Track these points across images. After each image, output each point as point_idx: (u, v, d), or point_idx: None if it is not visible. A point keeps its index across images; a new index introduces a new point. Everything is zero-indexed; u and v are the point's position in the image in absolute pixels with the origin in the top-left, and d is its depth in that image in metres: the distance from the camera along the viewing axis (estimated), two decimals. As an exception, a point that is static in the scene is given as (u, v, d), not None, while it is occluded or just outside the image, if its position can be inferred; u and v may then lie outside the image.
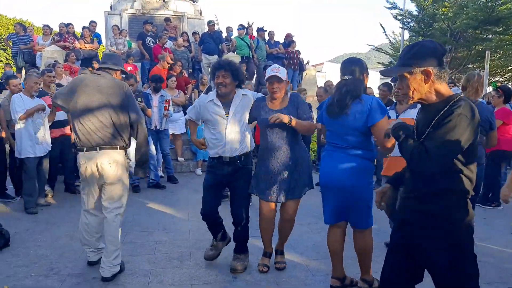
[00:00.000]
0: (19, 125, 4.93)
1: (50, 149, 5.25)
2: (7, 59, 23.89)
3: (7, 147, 5.51)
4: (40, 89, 5.24)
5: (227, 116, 3.30)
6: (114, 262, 3.22)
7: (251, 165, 3.47)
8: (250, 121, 3.43)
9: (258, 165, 3.38)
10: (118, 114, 3.22)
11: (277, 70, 3.21)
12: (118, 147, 3.28)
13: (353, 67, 2.83)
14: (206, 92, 6.50)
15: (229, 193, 3.54)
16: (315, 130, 4.93)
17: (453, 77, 17.40)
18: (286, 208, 3.37)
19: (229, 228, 3.56)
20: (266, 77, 3.30)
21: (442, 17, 16.38)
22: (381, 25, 19.00)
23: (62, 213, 5.04)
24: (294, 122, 3.11)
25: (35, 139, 4.99)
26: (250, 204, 3.62)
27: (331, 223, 3.01)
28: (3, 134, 5.28)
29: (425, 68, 1.83)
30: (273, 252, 3.58)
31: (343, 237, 3.03)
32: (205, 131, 3.47)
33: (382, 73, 2.06)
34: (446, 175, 1.82)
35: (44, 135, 5.13)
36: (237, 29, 11.17)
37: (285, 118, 3.05)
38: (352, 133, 2.77)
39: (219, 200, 3.53)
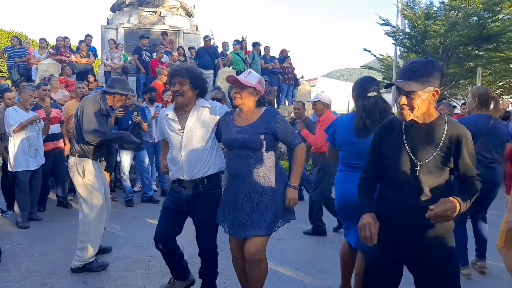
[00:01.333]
0: (12, 139, 4.91)
1: (43, 162, 5.22)
2: (1, 72, 23.84)
3: (0, 160, 5.47)
4: (35, 102, 5.23)
5: (182, 132, 2.84)
6: (79, 254, 3.64)
7: (218, 190, 2.93)
8: (219, 139, 2.90)
9: (223, 193, 2.85)
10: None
11: (245, 74, 2.73)
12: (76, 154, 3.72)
13: (375, 85, 2.77)
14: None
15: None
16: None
17: (445, 92, 17.63)
18: (247, 245, 2.63)
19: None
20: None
21: (434, 34, 16.66)
22: (365, 49, 19.27)
23: (54, 228, 4.99)
24: (296, 177, 2.69)
25: (29, 152, 4.96)
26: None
27: (354, 247, 2.87)
28: (-4, 147, 5.24)
29: (436, 88, 1.88)
30: None
31: (356, 251, 2.94)
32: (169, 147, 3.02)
33: (398, 85, 1.93)
34: (445, 188, 1.92)
35: (38, 148, 5.10)
36: (233, 44, 11.29)
37: (294, 197, 2.68)
38: None
39: (177, 227, 3.00)
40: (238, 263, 2.84)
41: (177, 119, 2.88)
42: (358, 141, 2.69)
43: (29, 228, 4.92)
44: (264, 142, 2.63)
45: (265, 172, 2.64)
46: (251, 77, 2.69)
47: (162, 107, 6.74)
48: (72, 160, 3.70)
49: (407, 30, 18.08)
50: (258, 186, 2.63)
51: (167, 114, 2.93)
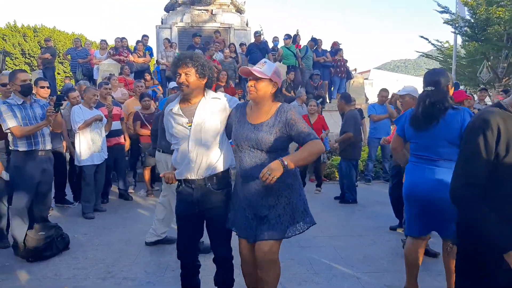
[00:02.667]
0: (78, 135, 5.23)
1: (106, 157, 5.51)
2: (65, 72, 25.50)
3: (67, 155, 5.85)
4: (98, 100, 5.54)
5: (190, 126, 2.56)
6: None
7: (228, 188, 2.68)
8: (229, 134, 2.65)
9: (233, 194, 2.64)
10: None
11: (260, 65, 2.46)
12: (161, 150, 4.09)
13: (436, 78, 2.79)
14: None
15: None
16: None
17: (509, 83, 16.45)
18: (260, 245, 2.42)
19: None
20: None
21: (497, 20, 15.56)
22: (422, 37, 18.45)
23: (116, 219, 5.26)
24: (291, 164, 2.26)
25: (93, 148, 5.27)
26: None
27: (415, 235, 2.91)
28: (64, 143, 5.61)
29: None
30: None
31: (423, 249, 2.97)
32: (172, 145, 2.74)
33: None
34: None
35: (101, 144, 5.40)
36: (283, 39, 11.24)
37: (278, 171, 2.20)
38: (443, 144, 2.72)
39: (197, 233, 2.76)
40: (249, 269, 2.61)
41: (182, 113, 2.59)
42: (420, 134, 2.78)
43: (94, 218, 5.23)
44: (279, 142, 2.41)
45: (282, 175, 2.26)
46: (266, 67, 2.44)
47: None
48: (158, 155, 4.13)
49: (467, 17, 17.02)
50: (274, 188, 2.39)
51: (171, 109, 2.64)
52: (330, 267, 3.69)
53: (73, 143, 5.46)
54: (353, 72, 12.19)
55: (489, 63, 16.90)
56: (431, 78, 2.81)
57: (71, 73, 13.08)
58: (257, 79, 2.41)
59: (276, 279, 2.51)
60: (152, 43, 12.50)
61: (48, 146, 4.05)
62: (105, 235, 4.61)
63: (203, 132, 2.54)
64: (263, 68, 2.43)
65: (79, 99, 5.55)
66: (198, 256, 2.85)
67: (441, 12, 17.53)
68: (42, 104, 4.05)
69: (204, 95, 2.61)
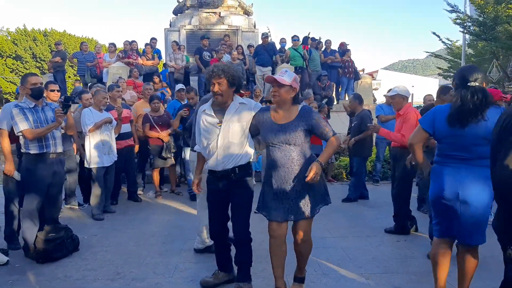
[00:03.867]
0: (88, 137, 5.29)
1: (116, 159, 5.57)
2: (75, 75, 25.76)
3: (77, 157, 5.92)
4: (108, 103, 5.60)
5: (220, 125, 3.04)
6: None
7: (249, 177, 3.13)
8: (253, 134, 3.12)
9: (264, 183, 3.06)
10: None
11: (282, 73, 2.96)
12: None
13: (477, 74, 2.66)
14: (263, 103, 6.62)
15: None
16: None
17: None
18: (297, 229, 2.99)
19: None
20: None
21: (506, 18, 15.40)
22: (434, 33, 18.27)
23: (126, 220, 5.31)
24: (324, 158, 2.88)
25: (103, 150, 5.32)
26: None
27: (445, 237, 2.81)
28: (75, 146, 5.68)
29: None
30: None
31: (449, 250, 2.86)
32: (200, 142, 3.19)
33: None
34: None
35: (111, 146, 5.46)
36: (292, 40, 11.25)
37: (320, 171, 2.79)
38: (482, 142, 2.58)
39: (226, 216, 3.23)
40: (277, 248, 2.99)
41: (213, 114, 3.08)
42: (458, 132, 2.63)
43: (104, 220, 5.29)
44: (304, 137, 2.93)
45: (305, 163, 2.90)
46: (287, 76, 2.92)
47: None
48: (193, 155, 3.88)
49: (475, 16, 16.88)
50: (300, 175, 2.87)
51: (204, 110, 3.14)
52: (338, 268, 3.69)
53: (83, 146, 5.53)
54: (361, 73, 12.15)
55: (499, 62, 16.73)
56: (471, 73, 2.66)
57: (79, 76, 13.23)
58: (280, 85, 2.88)
59: (310, 252, 3.13)
60: (160, 45, 12.62)
61: (59, 149, 4.10)
62: (114, 236, 4.65)
63: (230, 132, 3.02)
64: (284, 76, 2.91)
65: (92, 101, 5.62)
66: (228, 236, 3.29)
67: (450, 11, 17.41)
68: (54, 108, 4.11)
69: (233, 100, 3.08)
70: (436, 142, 2.87)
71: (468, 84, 2.63)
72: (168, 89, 9.97)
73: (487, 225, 2.68)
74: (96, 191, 5.35)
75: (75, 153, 5.77)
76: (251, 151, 3.13)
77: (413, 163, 3.41)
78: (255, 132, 3.10)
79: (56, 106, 4.21)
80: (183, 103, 6.91)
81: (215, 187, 3.13)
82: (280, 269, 3.03)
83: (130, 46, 11.16)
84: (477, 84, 2.62)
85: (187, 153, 6.42)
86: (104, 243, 4.43)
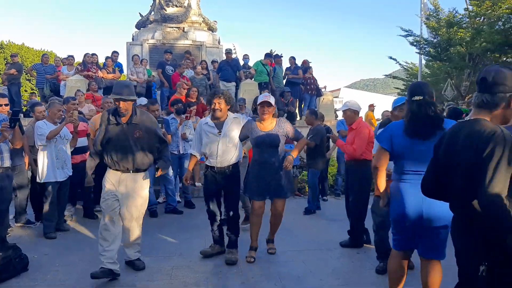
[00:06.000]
0: (41, 151, 5.05)
1: (71, 174, 5.34)
2: (32, 89, 24.81)
3: (28, 173, 5.63)
4: (63, 116, 5.39)
5: (219, 134, 4.11)
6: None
7: (239, 173, 4.29)
8: (241, 139, 4.26)
9: (250, 173, 4.27)
10: None
11: (267, 98, 4.13)
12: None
13: (425, 89, 2.75)
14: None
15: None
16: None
17: (472, 101, 17.17)
18: (275, 205, 4.26)
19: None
20: (258, 102, 4.19)
21: (459, 41, 16.33)
22: (391, 57, 19.10)
23: (80, 238, 5.07)
24: (295, 153, 4.13)
25: (57, 164, 5.09)
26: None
27: (403, 249, 2.82)
28: (26, 160, 5.41)
29: None
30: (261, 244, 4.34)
31: (405, 261, 2.88)
32: (203, 146, 4.24)
33: None
34: None
35: (66, 160, 5.23)
36: (265, 58, 11.34)
37: (291, 161, 4.03)
38: None
39: (219, 201, 4.33)
40: (258, 219, 4.26)
41: (214, 126, 4.15)
42: (417, 147, 2.66)
43: (56, 238, 5.02)
44: (282, 141, 4.20)
45: (281, 159, 4.15)
46: (272, 98, 4.20)
47: (187, 117, 6.86)
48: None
49: (430, 38, 17.80)
50: (279, 169, 4.12)
51: (207, 123, 4.22)
52: (299, 281, 3.67)
53: (35, 160, 5.27)
54: (322, 90, 12.41)
55: (453, 81, 17.62)
56: (415, 89, 2.76)
57: (37, 89, 12.75)
58: (270, 106, 4.13)
59: (279, 224, 4.43)
60: (122, 59, 12.39)
61: (7, 163, 3.90)
62: (67, 255, 4.41)
63: (228, 139, 4.12)
64: (270, 98, 4.16)
65: (45, 114, 5.39)
66: (220, 215, 4.33)
67: (405, 36, 18.25)
68: (1, 120, 3.90)
69: (228, 115, 4.20)
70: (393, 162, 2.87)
71: (413, 99, 2.73)
72: (129, 103, 9.75)
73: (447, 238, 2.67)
74: (48, 207, 5.09)
75: (26, 168, 5.49)
76: (240, 153, 4.34)
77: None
78: (244, 137, 4.25)
79: (4, 117, 4.01)
80: (143, 117, 6.78)
81: (213, 179, 4.19)
82: (256, 234, 4.27)
83: (91, 58, 10.89)
84: (421, 97, 2.69)
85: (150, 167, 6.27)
86: (55, 262, 4.19)
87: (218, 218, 4.34)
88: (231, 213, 4.20)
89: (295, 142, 4.44)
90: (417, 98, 2.71)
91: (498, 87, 1.93)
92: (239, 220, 4.38)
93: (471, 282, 2.04)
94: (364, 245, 4.71)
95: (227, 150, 4.12)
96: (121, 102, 3.64)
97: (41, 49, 32.24)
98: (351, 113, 4.71)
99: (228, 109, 4.22)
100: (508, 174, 1.77)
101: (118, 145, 3.73)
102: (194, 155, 4.36)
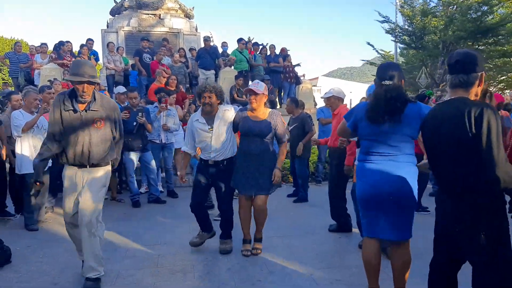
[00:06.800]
0: (19, 142, 4.94)
1: (50, 165, 5.23)
2: (3, 79, 23.89)
3: (7, 165, 5.49)
4: (39, 105, 5.26)
5: (211, 130, 3.96)
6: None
7: (233, 167, 4.05)
8: (235, 130, 4.09)
9: (238, 164, 4.02)
10: None
11: (255, 85, 3.94)
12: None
13: (392, 72, 2.69)
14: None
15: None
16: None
17: (446, 88, 17.65)
18: (256, 201, 4.00)
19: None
20: (244, 90, 4.10)
21: (433, 29, 16.67)
22: (369, 43, 19.32)
23: (62, 229, 4.96)
24: (280, 164, 3.99)
25: (35, 155, 4.98)
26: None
27: (375, 235, 2.80)
28: (4, 151, 5.27)
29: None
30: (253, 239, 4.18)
31: (380, 249, 2.85)
32: (196, 143, 4.11)
33: None
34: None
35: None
36: (238, 42, 11.28)
37: (279, 175, 3.95)
38: (402, 139, 2.66)
39: (206, 195, 4.30)
40: (245, 213, 4.09)
41: (204, 121, 3.98)
42: (378, 129, 2.67)
43: (38, 230, 4.95)
44: (270, 133, 3.95)
45: (269, 153, 3.97)
46: (260, 86, 3.92)
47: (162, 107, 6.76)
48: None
49: (406, 26, 18.09)
50: (264, 161, 3.93)
51: (197, 119, 4.04)
52: (284, 266, 3.76)
53: (13, 151, 5.15)
54: (301, 78, 12.50)
55: (427, 69, 18.01)
56: (387, 71, 2.71)
57: (9, 79, 12.34)
58: (256, 94, 3.87)
59: (265, 218, 4.15)
60: (97, 47, 12.10)
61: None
62: (50, 247, 4.37)
63: (220, 133, 3.96)
64: (258, 86, 3.91)
65: (22, 103, 5.26)
66: (204, 205, 4.25)
67: (382, 21, 18.47)
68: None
69: (218, 108, 4.01)
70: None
71: (382, 82, 2.68)
72: (106, 92, 9.58)
73: (413, 218, 2.75)
74: (28, 199, 4.99)
75: (4, 159, 5.36)
76: (234, 146, 4.11)
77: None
78: (236, 128, 4.04)
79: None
80: (123, 106, 6.69)
81: (204, 172, 4.06)
82: (247, 227, 4.12)
83: (65, 46, 10.59)
84: (390, 82, 2.65)
85: (129, 158, 6.21)
86: (38, 254, 4.15)
87: (203, 207, 4.22)
88: (226, 206, 4.10)
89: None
90: (387, 82, 2.66)
91: (472, 67, 2.15)
92: (232, 215, 4.17)
93: (450, 261, 2.18)
94: (354, 230, 4.80)
95: (221, 145, 3.97)
96: (85, 86, 3.09)
97: (11, 37, 30.95)
98: (335, 99, 4.77)
99: (219, 103, 4.04)
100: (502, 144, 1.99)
101: (74, 136, 3.19)
102: (187, 152, 4.23)
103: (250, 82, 11.11)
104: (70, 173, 3.32)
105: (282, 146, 4.05)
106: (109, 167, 3.44)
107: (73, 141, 3.19)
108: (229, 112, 4.05)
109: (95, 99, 3.22)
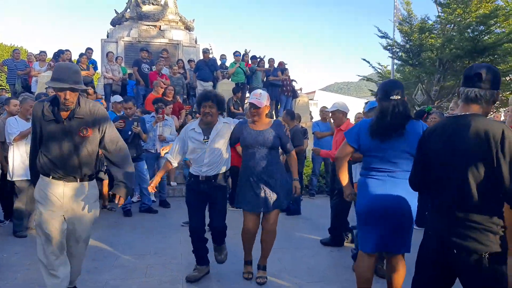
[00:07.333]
0: (12, 148, 4.92)
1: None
2: (0, 86, 23.92)
3: (-1, 170, 5.45)
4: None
5: (206, 142, 3.60)
6: None
7: (226, 183, 3.75)
8: (232, 144, 3.76)
9: (241, 179, 3.65)
10: None
11: (257, 96, 3.57)
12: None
13: (398, 88, 2.72)
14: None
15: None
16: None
17: (442, 105, 17.77)
18: (268, 219, 3.65)
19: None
20: (247, 102, 3.49)
21: (430, 47, 16.86)
22: (364, 59, 19.58)
23: (52, 237, 4.95)
24: (296, 175, 3.71)
25: (28, 162, 4.95)
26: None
27: (371, 251, 2.80)
28: (-4, 157, 5.24)
29: None
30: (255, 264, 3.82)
31: (375, 264, 2.89)
32: (188, 154, 3.72)
33: None
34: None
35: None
36: (234, 55, 11.37)
37: (299, 186, 3.70)
38: (403, 156, 2.67)
39: (203, 215, 3.73)
40: (250, 236, 3.70)
41: (201, 131, 3.62)
42: (382, 145, 2.68)
43: (27, 237, 4.89)
44: (276, 143, 3.59)
45: (276, 164, 3.61)
46: (262, 98, 3.56)
47: (159, 118, 6.75)
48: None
49: (403, 43, 18.29)
50: (273, 174, 3.56)
51: (193, 128, 3.67)
52: (275, 279, 3.72)
53: (6, 157, 5.11)
54: (298, 92, 12.56)
55: (423, 86, 18.16)
56: (394, 87, 2.72)
57: (7, 85, 12.35)
58: (258, 107, 3.53)
59: (273, 243, 3.77)
60: (97, 57, 12.16)
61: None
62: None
63: (216, 146, 3.59)
64: (260, 98, 3.54)
65: (19, 109, 5.25)
66: (204, 231, 3.73)
67: (381, 37, 18.69)
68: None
69: (218, 120, 3.65)
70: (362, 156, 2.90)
71: (390, 97, 2.68)
72: (103, 101, 9.58)
73: (411, 233, 2.78)
74: (18, 205, 4.95)
75: (-4, 165, 5.32)
76: (229, 161, 3.75)
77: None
78: (235, 141, 3.72)
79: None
80: (118, 115, 6.69)
81: (197, 189, 3.63)
82: (250, 248, 3.77)
83: (64, 55, 10.63)
84: (398, 97, 2.69)
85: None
86: (25, 261, 4.09)
87: (202, 235, 3.72)
88: (220, 223, 3.69)
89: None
90: (395, 97, 2.67)
91: (489, 83, 2.01)
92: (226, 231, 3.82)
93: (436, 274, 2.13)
94: (346, 244, 4.80)
95: (215, 158, 3.59)
96: (67, 93, 2.71)
97: (11, 44, 31.09)
98: (339, 114, 4.75)
99: (219, 114, 3.70)
100: None
101: (59, 148, 2.81)
102: (169, 162, 3.73)
103: (247, 94, 11.19)
104: (55, 189, 2.84)
105: (292, 155, 3.72)
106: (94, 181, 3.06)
107: (58, 153, 2.81)
108: (228, 126, 3.70)
109: (79, 104, 2.83)
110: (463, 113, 2.07)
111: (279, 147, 3.67)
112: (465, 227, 1.97)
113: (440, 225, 2.09)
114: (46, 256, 2.86)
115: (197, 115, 8.82)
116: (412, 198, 2.72)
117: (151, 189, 3.77)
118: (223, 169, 3.68)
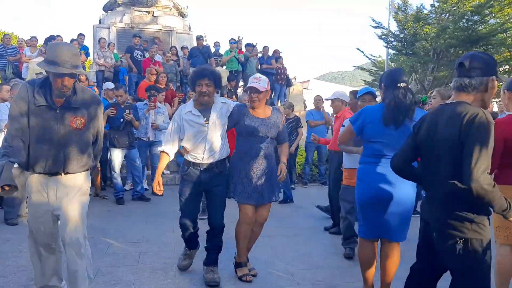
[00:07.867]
0: (3, 135, 4.86)
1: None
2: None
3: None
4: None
5: (207, 124, 3.24)
6: None
7: (227, 171, 3.40)
8: (229, 128, 3.41)
9: (237, 169, 3.32)
10: None
11: (257, 80, 3.28)
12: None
13: (404, 76, 2.79)
14: None
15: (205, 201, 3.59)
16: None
17: (452, 85, 17.81)
18: (262, 212, 3.43)
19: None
20: (245, 87, 3.48)
21: (424, 36, 16.83)
22: (358, 49, 19.51)
23: (43, 224, 4.93)
24: (285, 160, 3.44)
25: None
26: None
27: (372, 238, 2.86)
28: (-14, 143, 5.17)
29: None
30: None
31: (375, 250, 2.93)
32: (184, 140, 3.30)
33: None
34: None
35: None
36: (230, 43, 11.28)
37: (285, 170, 3.36)
38: None
39: (198, 207, 3.53)
40: (248, 229, 3.40)
41: (199, 113, 3.26)
42: (390, 133, 2.70)
43: (18, 224, 4.87)
44: (275, 132, 3.38)
45: (272, 154, 3.39)
46: (262, 82, 3.28)
47: (151, 106, 6.67)
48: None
49: (397, 32, 18.24)
50: (270, 164, 3.35)
51: (190, 111, 3.28)
52: (267, 265, 3.74)
53: (-4, 144, 5.05)
54: (292, 80, 12.52)
55: (417, 75, 18.18)
56: (400, 75, 2.77)
57: (-3, 71, 12.18)
58: (259, 91, 3.24)
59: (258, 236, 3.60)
60: (89, 42, 12.00)
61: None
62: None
63: (217, 128, 3.28)
64: (261, 82, 3.26)
65: (11, 95, 5.18)
66: (197, 225, 3.45)
67: (375, 27, 18.61)
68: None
69: (215, 100, 3.32)
70: (363, 142, 2.93)
71: (398, 85, 2.73)
72: (95, 88, 9.49)
73: (409, 221, 2.82)
74: (9, 192, 4.90)
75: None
76: (228, 146, 3.43)
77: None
78: (231, 126, 3.38)
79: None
80: (110, 102, 6.63)
81: (194, 180, 3.29)
82: (245, 248, 3.47)
83: (55, 41, 10.47)
84: (405, 85, 2.73)
85: (114, 155, 6.15)
86: (16, 249, 4.08)
87: (195, 227, 3.44)
88: (219, 220, 3.35)
89: None
90: (402, 85, 2.71)
91: (475, 71, 2.01)
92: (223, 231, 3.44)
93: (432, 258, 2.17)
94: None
95: (216, 142, 3.27)
96: (65, 79, 2.40)
97: (1, 30, 30.58)
98: (339, 102, 4.76)
99: (216, 93, 3.38)
100: (489, 154, 1.87)
101: (47, 138, 2.49)
102: (166, 153, 3.34)
103: (241, 83, 11.14)
104: (39, 184, 2.59)
105: (285, 145, 3.54)
106: (87, 172, 2.75)
107: (45, 144, 2.49)
108: (227, 106, 3.37)
109: (75, 92, 2.51)
110: (452, 101, 2.10)
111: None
112: (445, 213, 2.01)
113: (427, 212, 2.18)
114: (36, 249, 2.75)
115: (190, 93, 8.54)
116: (413, 188, 2.76)
117: (159, 192, 3.37)
118: (225, 155, 3.39)
